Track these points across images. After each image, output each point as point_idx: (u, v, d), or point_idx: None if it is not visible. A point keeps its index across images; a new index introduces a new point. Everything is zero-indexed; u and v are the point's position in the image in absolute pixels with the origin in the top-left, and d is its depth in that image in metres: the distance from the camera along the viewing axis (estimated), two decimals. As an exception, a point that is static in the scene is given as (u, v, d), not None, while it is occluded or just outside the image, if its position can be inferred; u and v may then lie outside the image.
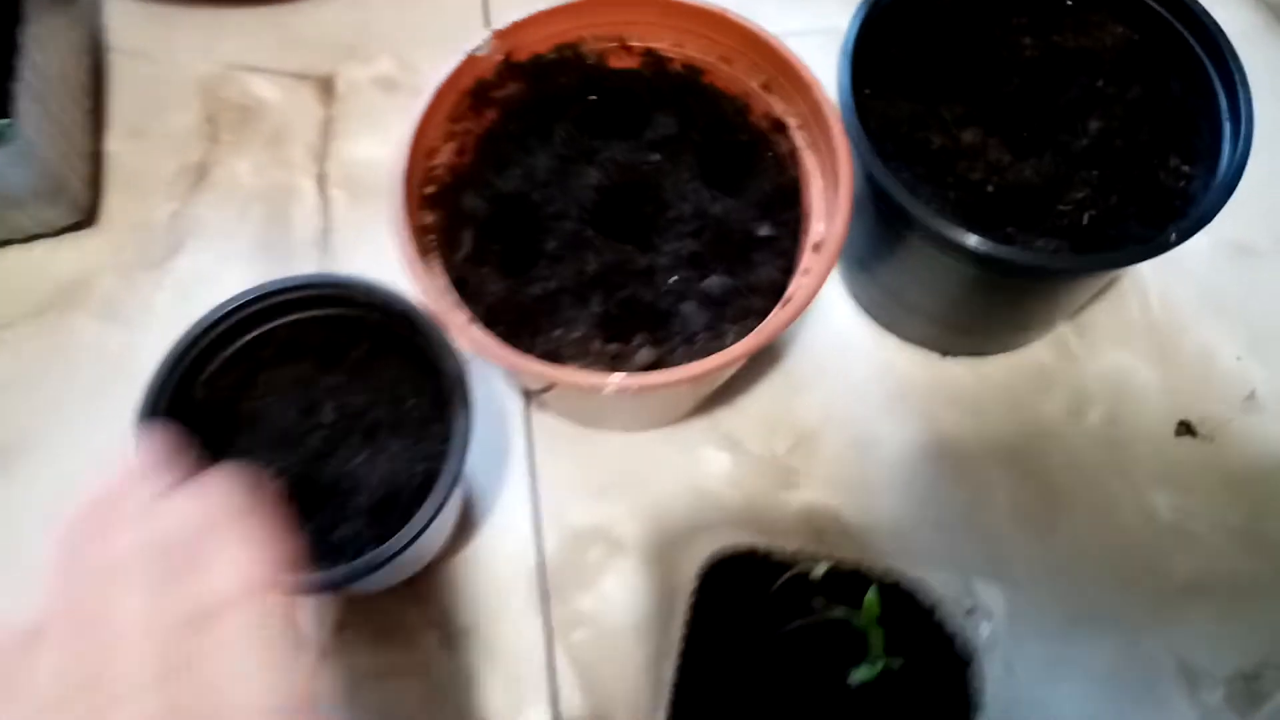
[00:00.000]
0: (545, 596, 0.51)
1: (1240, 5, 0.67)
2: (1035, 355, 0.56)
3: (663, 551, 0.52)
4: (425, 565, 0.51)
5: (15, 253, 0.60)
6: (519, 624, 0.51)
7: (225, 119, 0.64)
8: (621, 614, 0.51)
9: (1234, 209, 0.56)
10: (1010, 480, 0.53)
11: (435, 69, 0.63)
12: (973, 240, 0.43)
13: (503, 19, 0.66)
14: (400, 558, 0.41)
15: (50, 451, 0.55)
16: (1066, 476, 0.53)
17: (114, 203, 0.62)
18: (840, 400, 0.56)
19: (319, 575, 0.39)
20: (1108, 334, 0.57)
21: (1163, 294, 0.58)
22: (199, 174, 0.62)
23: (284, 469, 0.44)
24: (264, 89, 0.65)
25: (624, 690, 0.49)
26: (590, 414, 0.54)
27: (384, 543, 0.41)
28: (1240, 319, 0.57)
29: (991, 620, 0.46)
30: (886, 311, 0.56)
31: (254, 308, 0.45)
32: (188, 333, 0.44)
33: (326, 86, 0.65)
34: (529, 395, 0.56)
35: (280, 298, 0.45)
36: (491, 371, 0.56)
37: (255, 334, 0.45)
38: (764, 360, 0.56)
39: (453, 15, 0.67)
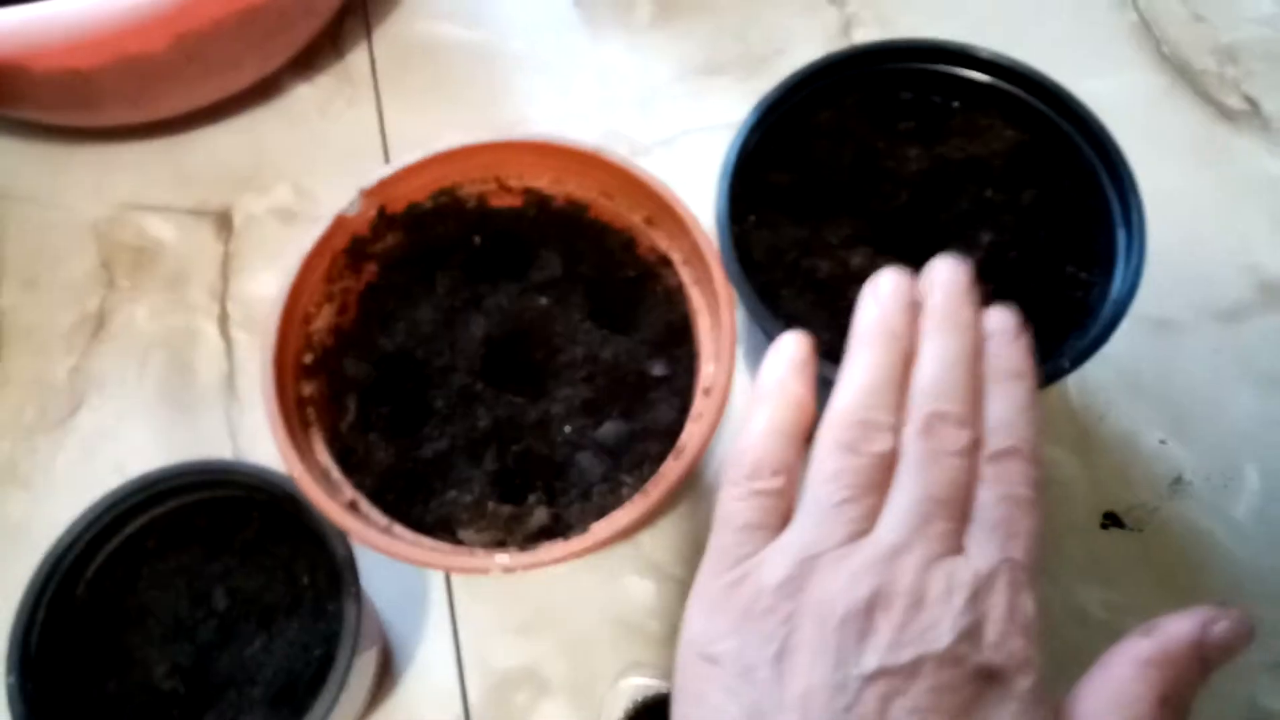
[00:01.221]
0: (467, 759, 0.50)
1: (1145, 68, 0.66)
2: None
3: (589, 688, 0.51)
4: (343, 732, 0.50)
5: (-89, 423, 0.59)
6: (444, 784, 0.50)
7: (121, 262, 0.63)
8: (549, 764, 0.50)
9: (1149, 282, 0.55)
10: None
11: (333, 197, 0.62)
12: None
13: (399, 136, 0.66)
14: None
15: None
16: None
17: (11, 360, 0.60)
18: (761, 517, 0.54)
19: None
20: (1027, 426, 0.56)
21: (1080, 379, 0.57)
22: (97, 323, 0.61)
23: (176, 665, 0.43)
24: (160, 228, 0.64)
25: None
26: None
27: None
28: (1162, 399, 0.56)
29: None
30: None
31: (134, 500, 0.44)
32: (64, 535, 0.43)
33: (223, 221, 0.64)
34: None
35: (161, 486, 0.44)
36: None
37: (137, 525, 0.44)
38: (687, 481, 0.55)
39: (348, 140, 0.66)
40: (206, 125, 0.67)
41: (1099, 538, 0.53)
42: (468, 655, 0.52)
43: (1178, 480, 0.54)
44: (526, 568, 0.39)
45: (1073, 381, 0.57)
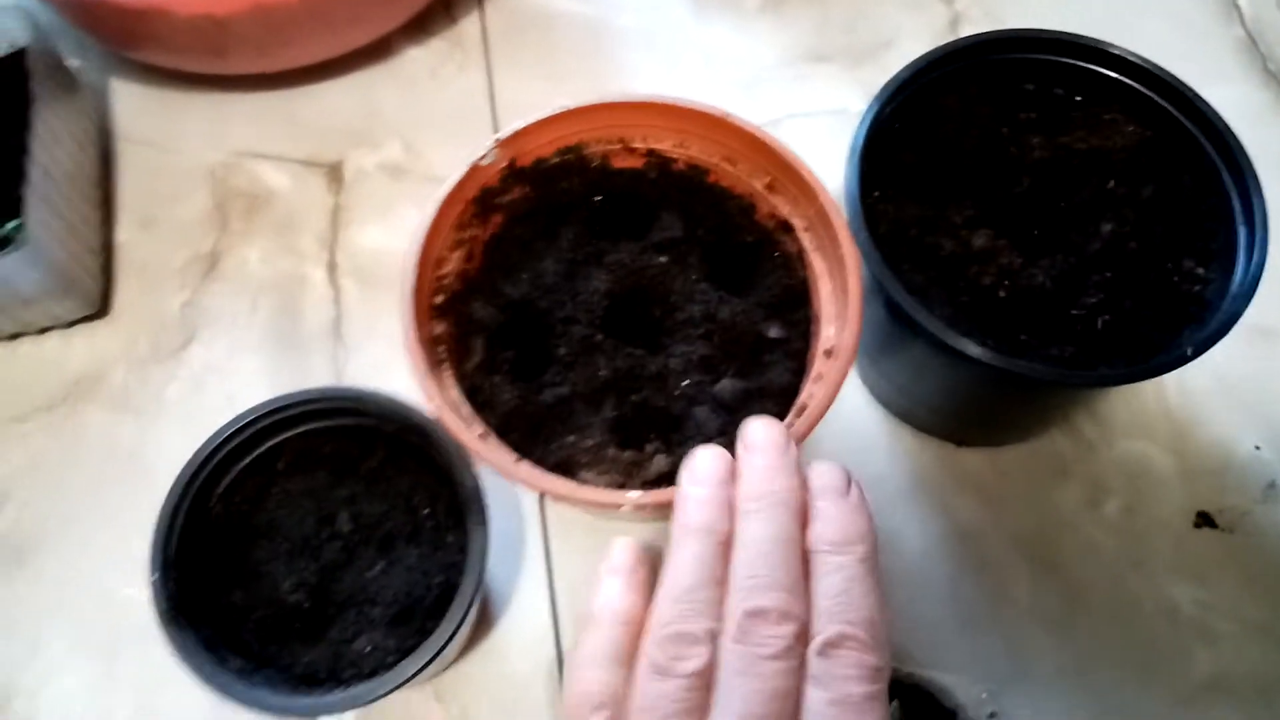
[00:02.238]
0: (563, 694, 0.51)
1: (1248, 84, 0.67)
2: (1052, 445, 0.56)
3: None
4: (443, 668, 0.51)
5: (28, 345, 0.60)
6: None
7: (234, 207, 0.64)
8: (637, 716, 0.50)
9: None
10: (1030, 574, 0.53)
11: (442, 156, 0.64)
12: (986, 355, 0.42)
13: (506, 103, 0.67)
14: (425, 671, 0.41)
15: (66, 542, 0.55)
16: (1086, 570, 0.53)
17: (125, 294, 0.62)
18: (855, 489, 0.55)
19: (353, 691, 0.39)
20: (1124, 424, 0.56)
21: (1179, 382, 0.57)
22: (210, 263, 0.63)
23: (302, 581, 0.44)
24: (272, 177, 0.65)
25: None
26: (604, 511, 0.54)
27: (403, 654, 0.41)
28: (1259, 407, 0.57)
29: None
30: (899, 404, 0.56)
31: (266, 421, 0.45)
32: (201, 449, 0.44)
33: (334, 174, 0.65)
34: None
35: (293, 410, 0.45)
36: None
37: (268, 446, 0.45)
38: (777, 450, 0.56)
39: (457, 103, 0.68)
40: (321, 81, 0.68)
41: (1191, 536, 0.54)
42: (562, 605, 0.53)
43: (1271, 486, 0.55)
44: (656, 504, 0.40)
45: (1172, 381, 0.57)
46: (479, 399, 0.46)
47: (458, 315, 0.48)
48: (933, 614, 0.52)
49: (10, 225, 0.55)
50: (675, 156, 0.51)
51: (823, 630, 0.30)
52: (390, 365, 0.57)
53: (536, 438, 0.46)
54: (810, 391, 0.44)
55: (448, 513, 0.46)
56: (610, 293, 0.49)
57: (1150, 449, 0.56)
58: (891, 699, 0.44)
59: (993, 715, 0.46)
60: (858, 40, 0.70)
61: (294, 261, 0.62)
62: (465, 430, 0.42)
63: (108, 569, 0.55)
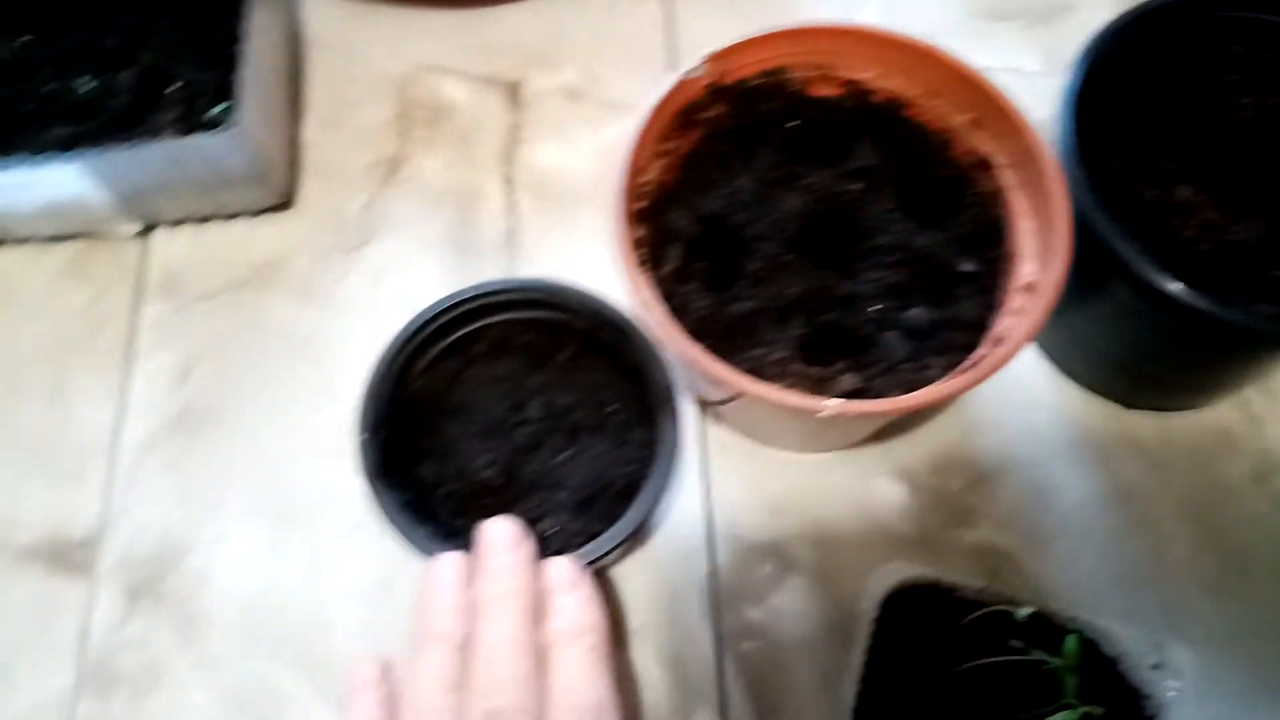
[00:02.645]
0: (716, 606, 0.52)
1: None
2: (1219, 415, 0.55)
3: (836, 576, 0.53)
4: (602, 567, 0.52)
5: (217, 228, 0.63)
6: (690, 630, 0.52)
7: (417, 116, 0.66)
8: (792, 630, 0.52)
9: None
10: (1191, 539, 0.53)
11: (619, 84, 0.65)
12: (1194, 298, 0.42)
13: (684, 37, 0.68)
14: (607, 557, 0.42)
15: (246, 414, 0.58)
16: (1249, 541, 0.53)
17: (310, 189, 0.64)
18: (1018, 444, 0.55)
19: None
20: (1296, 400, 0.56)
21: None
22: (391, 168, 0.65)
23: (494, 460, 0.46)
24: (454, 91, 0.67)
25: (792, 705, 0.50)
26: (768, 432, 0.55)
27: (589, 537, 0.42)
28: None
29: (1180, 679, 0.45)
30: (1071, 359, 0.56)
31: (470, 305, 0.47)
32: (409, 324, 0.46)
33: (513, 92, 0.67)
34: (705, 406, 0.57)
35: (495, 298, 0.47)
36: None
37: (468, 330, 0.47)
38: (940, 395, 0.57)
39: (636, 35, 0.68)
40: (504, 3, 0.70)
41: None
42: (718, 523, 0.54)
43: None
44: (858, 413, 0.41)
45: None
46: (672, 305, 0.47)
47: (656, 223, 0.49)
48: (1090, 565, 0.52)
49: (219, 108, 0.57)
50: (874, 88, 0.51)
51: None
52: (562, 278, 0.59)
53: (725, 347, 0.47)
54: (1009, 324, 0.45)
55: (634, 411, 0.47)
56: (803, 214, 0.50)
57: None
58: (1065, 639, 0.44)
59: (1156, 666, 0.46)
60: (1039, 2, 0.69)
61: (471, 173, 0.64)
62: (672, 323, 0.43)
63: (284, 442, 0.57)
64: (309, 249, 0.62)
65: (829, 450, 0.55)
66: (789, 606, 0.52)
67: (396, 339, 0.45)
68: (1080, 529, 0.53)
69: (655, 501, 0.42)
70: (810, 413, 0.42)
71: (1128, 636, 0.46)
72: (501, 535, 0.38)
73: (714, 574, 0.53)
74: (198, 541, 0.56)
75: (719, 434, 0.56)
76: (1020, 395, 0.57)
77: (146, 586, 0.55)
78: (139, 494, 0.57)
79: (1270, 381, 0.56)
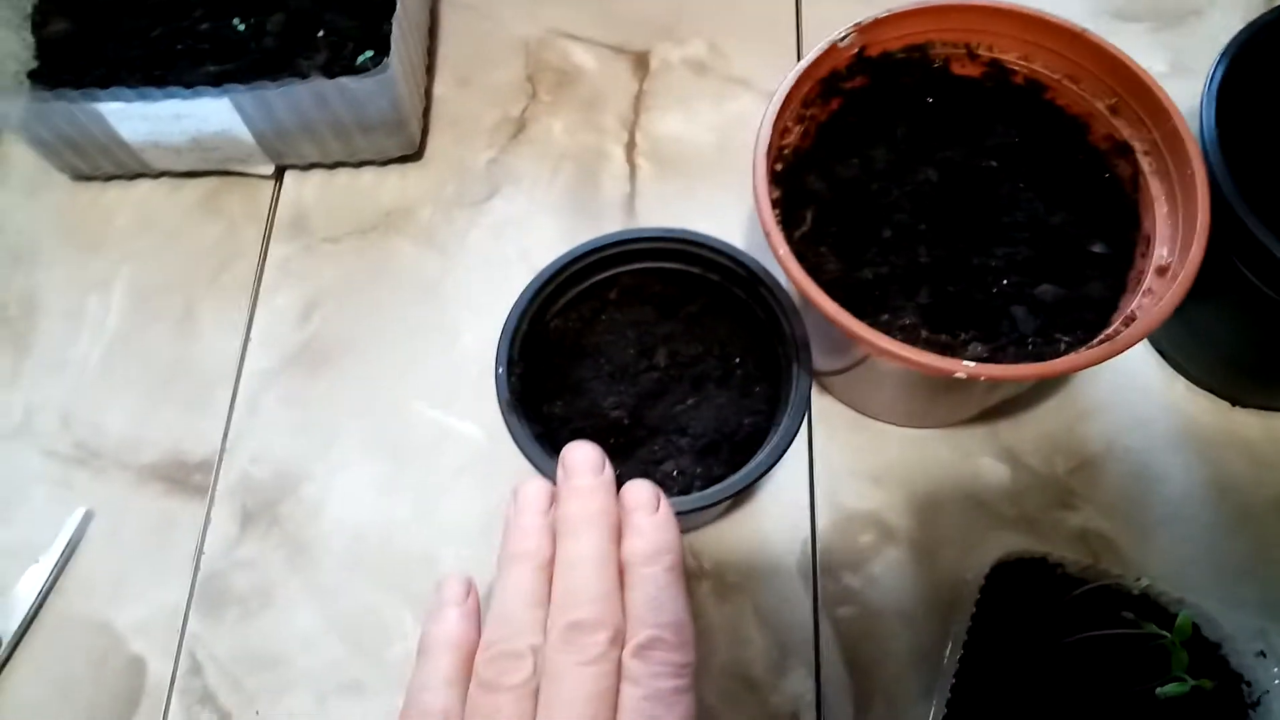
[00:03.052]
0: (815, 569, 0.53)
1: None
2: (1329, 419, 0.56)
3: (935, 548, 0.53)
4: (707, 523, 0.54)
5: (346, 175, 0.65)
6: (788, 591, 0.53)
7: (544, 79, 0.68)
8: (889, 599, 0.52)
9: None
10: (1294, 537, 0.53)
11: (744, 60, 0.67)
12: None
13: (814, 18, 0.69)
14: (717, 506, 0.43)
15: (365, 354, 0.60)
16: (1352, 544, 0.53)
17: (438, 143, 0.66)
18: (1123, 433, 0.56)
19: (679, 502, 0.42)
20: None
21: None
22: (518, 127, 0.66)
23: (621, 402, 0.47)
24: (582, 57, 0.69)
25: (887, 672, 0.51)
26: (876, 404, 0.56)
27: (710, 481, 0.43)
28: None
29: (1283, 667, 0.45)
30: (1182, 351, 0.56)
31: (606, 253, 0.48)
32: (548, 268, 0.47)
33: (640, 62, 0.68)
34: (813, 377, 0.57)
35: (630, 246, 0.48)
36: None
37: (603, 277, 0.49)
38: (1048, 382, 0.57)
39: (763, 12, 0.70)
40: (634, -24, 0.72)
41: None
42: (820, 490, 0.55)
43: None
44: (991, 376, 0.42)
45: None
46: (804, 264, 0.48)
47: (792, 185, 0.50)
48: (1191, 554, 0.53)
49: (366, 55, 0.59)
50: (1016, 69, 0.52)
51: (635, 635, 0.34)
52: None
53: (853, 310, 0.48)
54: (1140, 304, 0.45)
55: (760, 366, 0.48)
56: (938, 187, 0.50)
57: None
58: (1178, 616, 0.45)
59: (1261, 654, 0.46)
60: (1167, 4, 0.69)
61: (595, 136, 0.66)
62: (809, 278, 0.44)
63: (402, 382, 0.59)
64: (434, 200, 0.64)
65: (934, 427, 0.56)
66: (887, 576, 0.53)
67: (536, 280, 0.47)
68: (1182, 519, 0.53)
69: (780, 452, 0.43)
70: (946, 373, 0.42)
71: (1232, 622, 0.46)
72: (584, 459, 0.39)
73: (814, 539, 0.54)
74: (312, 472, 0.58)
75: (824, 405, 0.57)
76: (1128, 386, 0.57)
77: (261, 511, 0.57)
78: (259, 423, 0.59)
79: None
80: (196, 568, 0.56)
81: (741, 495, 0.54)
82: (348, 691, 0.53)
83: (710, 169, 0.64)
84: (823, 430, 0.57)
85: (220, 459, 0.58)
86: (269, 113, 0.59)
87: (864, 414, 0.57)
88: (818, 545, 0.54)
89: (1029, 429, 0.56)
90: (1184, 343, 0.56)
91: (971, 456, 0.56)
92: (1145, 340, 0.58)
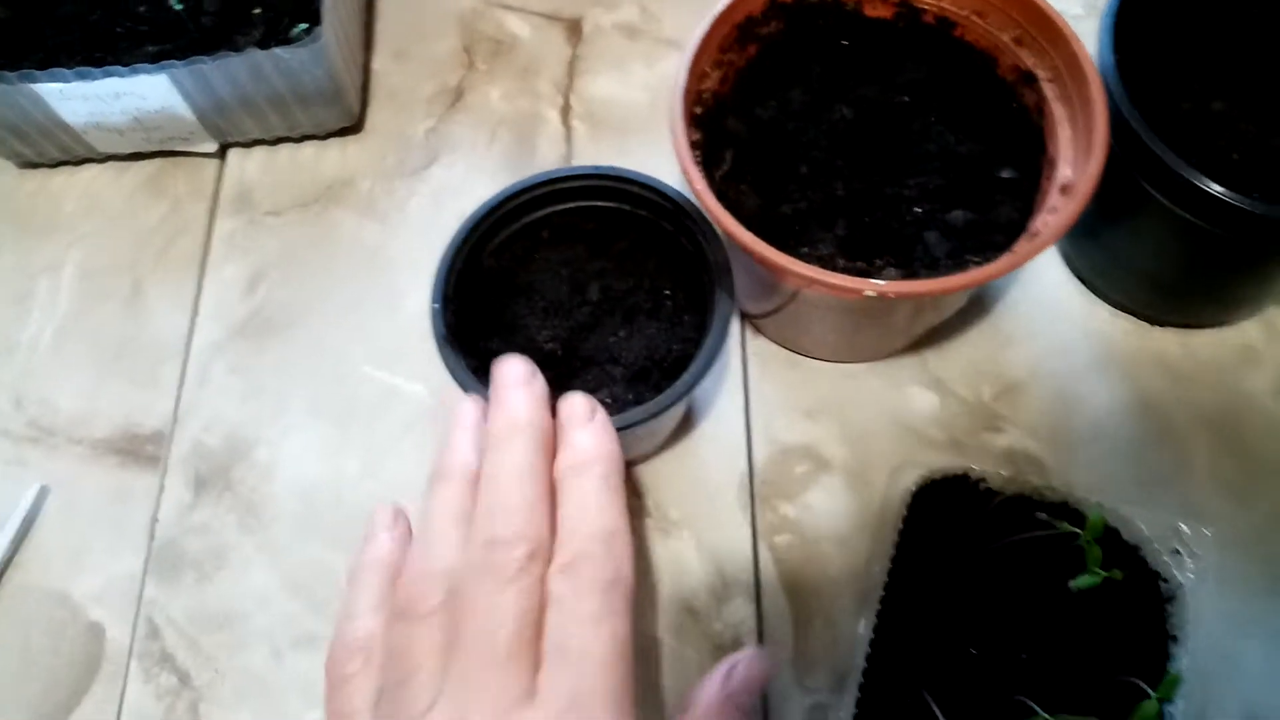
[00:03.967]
0: (753, 501, 0.55)
1: None
2: (1243, 334, 0.58)
3: (868, 474, 0.55)
4: (646, 457, 0.55)
5: (288, 150, 0.67)
6: (727, 523, 0.54)
7: (480, 49, 0.70)
8: (825, 525, 0.54)
9: None
10: (1212, 447, 0.55)
11: (675, 21, 0.69)
12: (1231, 196, 0.45)
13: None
14: (650, 425, 0.45)
15: (311, 321, 0.62)
16: (1268, 449, 0.55)
17: (377, 114, 0.68)
18: (1047, 357, 0.58)
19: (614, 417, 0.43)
20: (1320, 320, 0.58)
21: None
22: (455, 96, 0.68)
23: (554, 335, 0.49)
24: (517, 26, 0.70)
25: (824, 593, 0.52)
26: (807, 340, 0.58)
27: (640, 404, 0.45)
28: None
29: (1197, 562, 0.47)
30: (1101, 276, 0.58)
31: (538, 192, 0.50)
32: (482, 207, 0.49)
33: (574, 28, 0.70)
34: (746, 318, 0.59)
35: (562, 185, 0.50)
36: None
37: (536, 216, 0.50)
38: (974, 311, 0.59)
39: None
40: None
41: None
42: (756, 425, 0.57)
43: None
44: (899, 294, 0.44)
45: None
46: (725, 203, 0.50)
47: (712, 128, 0.52)
48: (1114, 469, 0.55)
49: (300, 28, 0.61)
50: (926, 8, 0.54)
51: (559, 553, 0.32)
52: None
53: (773, 244, 0.49)
54: (1044, 220, 0.47)
55: (687, 298, 0.50)
56: (852, 124, 0.53)
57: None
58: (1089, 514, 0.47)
59: (1176, 551, 0.48)
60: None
61: (531, 102, 0.67)
62: (724, 211, 0.46)
63: (348, 347, 0.61)
64: (375, 170, 0.66)
65: (864, 360, 0.58)
66: (823, 503, 0.55)
67: (470, 219, 0.48)
68: (1105, 436, 0.55)
69: (704, 370, 0.45)
70: (855, 293, 0.44)
71: (1148, 521, 0.48)
72: (510, 371, 0.38)
73: (751, 472, 0.56)
74: (264, 437, 0.59)
75: (759, 345, 0.59)
76: (1051, 312, 0.59)
77: (214, 477, 0.58)
78: (209, 393, 0.60)
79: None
80: (152, 535, 0.57)
81: (679, 431, 0.56)
82: (302, 644, 0.54)
83: (643, 127, 0.66)
84: (757, 369, 0.58)
85: (172, 429, 0.59)
86: (207, 88, 0.60)
87: (797, 352, 0.58)
88: (755, 478, 0.55)
89: (955, 358, 0.58)
90: (1102, 267, 0.58)
91: (901, 387, 0.57)
92: (1066, 268, 0.60)
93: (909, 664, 0.46)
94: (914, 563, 0.49)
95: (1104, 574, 0.44)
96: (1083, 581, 0.45)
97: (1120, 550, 0.49)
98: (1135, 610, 0.47)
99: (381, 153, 0.66)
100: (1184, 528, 0.48)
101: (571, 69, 0.68)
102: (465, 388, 0.44)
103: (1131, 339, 0.58)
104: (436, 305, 0.46)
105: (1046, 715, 0.42)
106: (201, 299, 0.63)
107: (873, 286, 0.44)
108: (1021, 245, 0.46)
